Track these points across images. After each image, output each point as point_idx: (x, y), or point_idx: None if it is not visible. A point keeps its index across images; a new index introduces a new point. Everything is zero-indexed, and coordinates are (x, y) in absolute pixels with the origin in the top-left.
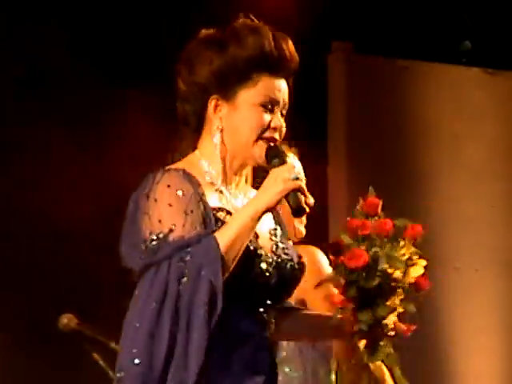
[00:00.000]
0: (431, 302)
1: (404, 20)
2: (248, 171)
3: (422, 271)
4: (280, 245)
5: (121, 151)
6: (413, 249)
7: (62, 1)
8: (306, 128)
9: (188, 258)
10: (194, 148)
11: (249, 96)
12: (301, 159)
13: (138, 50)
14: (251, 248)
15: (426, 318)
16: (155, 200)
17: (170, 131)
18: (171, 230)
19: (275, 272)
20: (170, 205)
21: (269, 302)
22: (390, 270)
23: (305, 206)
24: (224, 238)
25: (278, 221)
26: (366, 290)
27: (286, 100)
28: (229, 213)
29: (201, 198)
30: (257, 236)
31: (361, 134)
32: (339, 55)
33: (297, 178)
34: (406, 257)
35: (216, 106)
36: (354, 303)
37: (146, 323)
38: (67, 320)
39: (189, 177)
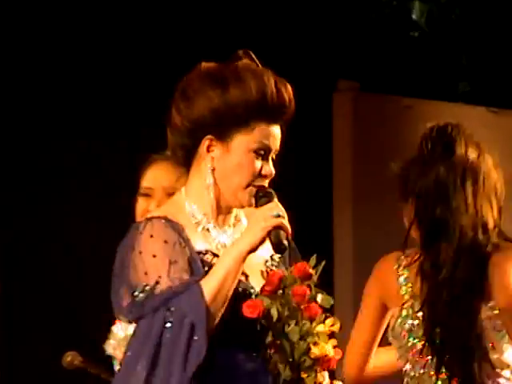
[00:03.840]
0: None
1: (409, 59)
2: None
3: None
4: None
5: None
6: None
7: None
8: (312, 165)
9: (173, 307)
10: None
11: (244, 141)
12: (307, 194)
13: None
14: (240, 290)
15: None
16: (140, 252)
17: None
18: (157, 282)
19: None
20: (154, 256)
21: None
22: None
23: (285, 242)
24: (209, 284)
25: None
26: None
27: (278, 147)
28: (215, 255)
29: (186, 244)
30: (246, 276)
31: (366, 172)
32: (345, 94)
33: (278, 215)
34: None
35: (209, 146)
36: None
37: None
38: (71, 357)
39: (171, 223)
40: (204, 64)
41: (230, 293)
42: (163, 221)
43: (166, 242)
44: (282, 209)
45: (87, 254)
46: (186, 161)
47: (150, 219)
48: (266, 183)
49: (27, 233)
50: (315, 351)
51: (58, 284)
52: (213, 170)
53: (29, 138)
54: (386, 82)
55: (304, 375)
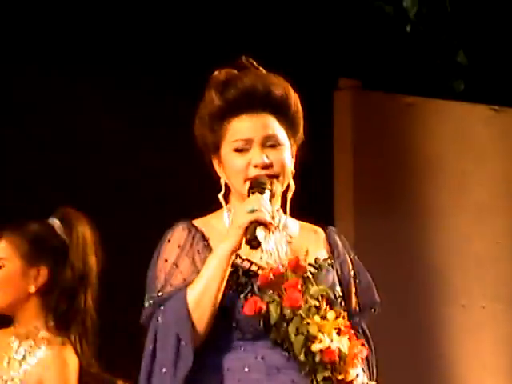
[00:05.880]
0: (437, 340)
1: (410, 57)
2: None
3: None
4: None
5: None
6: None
7: None
8: (313, 164)
9: (160, 317)
10: None
11: (225, 146)
12: (308, 193)
13: None
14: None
15: (433, 356)
16: (157, 256)
17: None
18: (162, 287)
19: None
20: (166, 260)
21: None
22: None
23: (259, 240)
24: (194, 289)
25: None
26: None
27: (269, 132)
28: (242, 258)
29: (205, 247)
30: None
31: (367, 170)
32: (346, 92)
33: (253, 210)
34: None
35: (218, 165)
36: None
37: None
38: None
39: (192, 229)
40: None
41: (218, 294)
42: (185, 225)
43: (178, 246)
44: (263, 201)
45: None
46: None
47: (176, 224)
48: (263, 172)
49: None
50: (315, 346)
51: None
52: (225, 183)
53: None
54: (388, 80)
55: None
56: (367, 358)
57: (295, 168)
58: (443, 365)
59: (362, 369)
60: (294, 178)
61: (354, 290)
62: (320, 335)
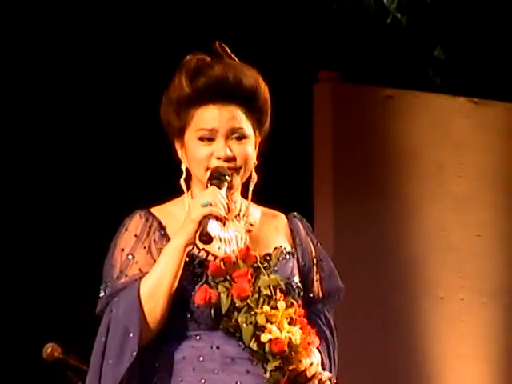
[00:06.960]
0: (415, 331)
1: (390, 49)
2: (237, 196)
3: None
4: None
5: None
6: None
7: None
8: (292, 157)
9: (113, 308)
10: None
11: (189, 133)
12: (287, 186)
13: None
14: None
15: (411, 347)
16: (114, 245)
17: None
18: (118, 278)
19: None
20: (123, 249)
21: None
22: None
23: (212, 234)
24: (148, 281)
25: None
26: None
27: (236, 124)
28: (196, 246)
29: (162, 236)
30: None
31: (346, 162)
32: (325, 84)
33: (207, 204)
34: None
35: (180, 149)
36: None
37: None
38: (51, 349)
39: (148, 216)
40: None
41: (171, 287)
42: (142, 214)
43: (135, 236)
44: (219, 194)
45: (73, 243)
46: None
47: (134, 212)
48: (225, 164)
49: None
50: (265, 336)
51: (39, 274)
52: (186, 168)
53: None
54: (367, 73)
55: (273, 363)
56: (328, 345)
57: (273, 159)
58: (420, 356)
59: (323, 359)
60: (275, 168)
61: (316, 276)
62: (269, 325)
